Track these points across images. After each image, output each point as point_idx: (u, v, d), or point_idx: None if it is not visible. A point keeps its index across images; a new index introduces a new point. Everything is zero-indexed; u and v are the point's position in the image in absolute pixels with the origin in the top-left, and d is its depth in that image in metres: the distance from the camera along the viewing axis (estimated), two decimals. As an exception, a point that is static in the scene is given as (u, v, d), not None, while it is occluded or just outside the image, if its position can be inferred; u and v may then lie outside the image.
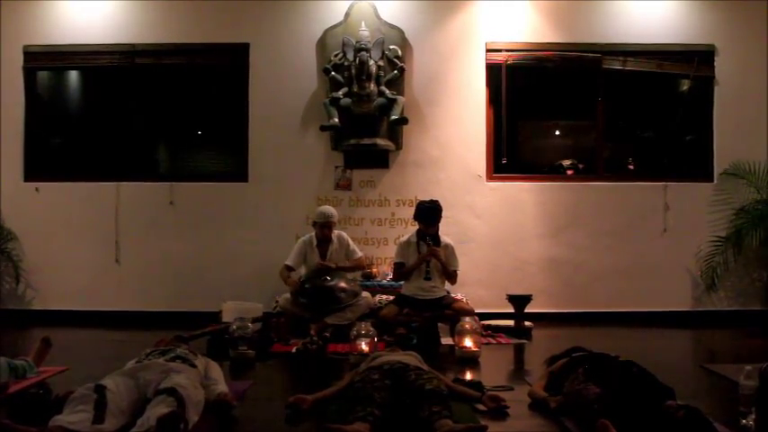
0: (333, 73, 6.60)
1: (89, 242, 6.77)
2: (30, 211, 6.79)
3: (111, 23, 6.81)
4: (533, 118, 7.51)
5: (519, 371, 4.73)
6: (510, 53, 6.82)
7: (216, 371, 3.41)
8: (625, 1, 6.86)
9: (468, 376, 4.14)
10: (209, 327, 5.16)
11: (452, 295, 5.76)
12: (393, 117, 6.51)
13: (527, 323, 5.91)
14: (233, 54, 6.84)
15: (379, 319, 5.29)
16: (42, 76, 7.17)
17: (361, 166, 6.75)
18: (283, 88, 6.76)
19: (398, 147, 6.73)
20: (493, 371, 4.45)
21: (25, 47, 6.85)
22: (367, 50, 6.49)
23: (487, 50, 6.81)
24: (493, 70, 6.84)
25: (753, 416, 2.89)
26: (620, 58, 6.82)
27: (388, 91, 6.54)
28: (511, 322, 5.91)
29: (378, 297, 5.91)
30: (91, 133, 7.22)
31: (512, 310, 5.94)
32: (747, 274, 6.78)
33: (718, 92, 6.85)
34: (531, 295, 5.96)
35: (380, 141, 6.61)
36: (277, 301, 5.83)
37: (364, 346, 4.50)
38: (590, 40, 6.81)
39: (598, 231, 6.76)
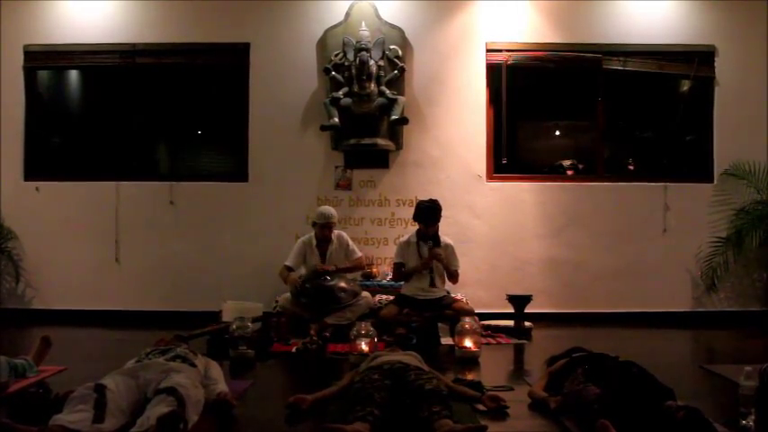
0: (333, 73, 6.60)
1: (89, 241, 6.77)
2: (30, 210, 6.79)
3: (111, 23, 6.82)
4: (533, 118, 7.50)
5: (519, 371, 4.73)
6: (510, 53, 6.82)
7: (216, 370, 3.41)
8: (625, 1, 6.86)
9: (468, 376, 4.13)
10: (209, 326, 5.16)
11: (452, 295, 5.76)
12: (393, 117, 6.51)
13: (527, 323, 5.90)
14: (233, 54, 6.84)
15: (379, 319, 5.28)
16: (42, 75, 7.17)
17: (362, 165, 6.76)
18: (284, 88, 6.76)
19: (399, 147, 6.73)
20: (493, 371, 4.45)
21: (25, 46, 6.85)
22: (367, 50, 6.49)
23: (488, 50, 6.81)
24: (493, 70, 6.84)
25: (753, 416, 2.90)
26: (621, 59, 6.82)
27: (388, 91, 6.54)
28: (511, 322, 5.90)
29: (378, 297, 5.91)
30: (91, 133, 7.22)
31: (512, 311, 5.93)
32: (747, 274, 6.78)
33: (718, 92, 6.85)
34: (530, 295, 5.96)
35: (381, 141, 6.61)
36: (277, 301, 5.83)
37: (364, 346, 4.49)
38: (590, 40, 6.81)
39: (598, 232, 6.76)
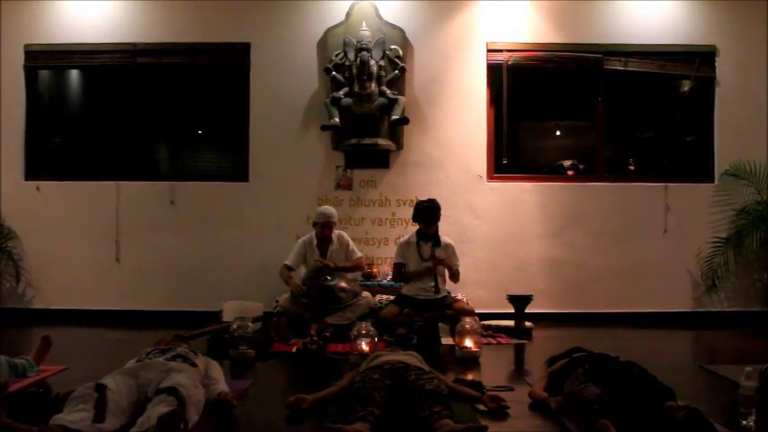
0: (334, 73, 6.60)
1: (89, 241, 6.77)
2: (30, 209, 6.79)
3: (111, 23, 6.82)
4: (534, 118, 7.51)
5: (519, 371, 4.74)
6: (511, 53, 6.82)
7: (216, 370, 3.41)
8: (626, 1, 6.86)
9: (469, 376, 4.13)
10: (210, 326, 5.16)
11: (453, 295, 5.76)
12: (394, 117, 6.51)
13: (527, 323, 5.91)
14: (234, 54, 6.84)
15: (379, 319, 5.29)
16: (43, 75, 7.17)
17: (362, 165, 6.76)
18: (284, 88, 6.76)
19: (399, 147, 6.73)
20: (493, 371, 4.45)
21: (26, 46, 6.86)
22: (368, 50, 6.49)
23: (488, 50, 6.81)
24: (494, 70, 6.84)
25: (753, 417, 2.89)
26: (621, 59, 6.82)
27: (388, 91, 6.54)
28: (511, 322, 5.91)
29: (378, 297, 5.91)
30: (91, 132, 7.23)
31: (512, 311, 5.94)
32: (748, 274, 6.78)
33: (718, 92, 6.85)
34: (531, 295, 5.97)
35: (381, 141, 6.61)
36: (277, 301, 5.83)
37: (364, 346, 4.50)
38: (591, 40, 6.81)
39: (598, 232, 6.76)
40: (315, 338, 4.75)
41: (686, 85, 7.07)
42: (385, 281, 6.26)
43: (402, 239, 5.82)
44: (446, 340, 5.27)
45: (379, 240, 6.73)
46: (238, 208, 6.76)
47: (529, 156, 7.48)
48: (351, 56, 6.55)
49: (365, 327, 4.64)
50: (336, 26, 6.70)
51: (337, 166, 6.78)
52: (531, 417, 3.27)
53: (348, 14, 6.71)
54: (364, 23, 6.63)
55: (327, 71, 6.62)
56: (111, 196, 6.77)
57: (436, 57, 6.79)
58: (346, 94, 6.54)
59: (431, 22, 6.81)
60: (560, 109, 7.32)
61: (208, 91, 7.20)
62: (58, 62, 7.00)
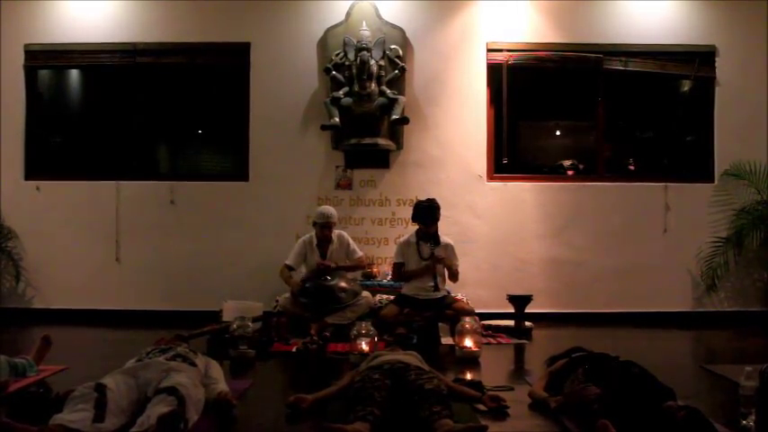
0: (334, 72, 6.60)
1: (89, 241, 6.77)
2: (30, 209, 6.79)
3: (112, 22, 6.82)
4: (534, 118, 7.51)
5: (519, 371, 4.73)
6: (511, 53, 6.82)
7: (216, 370, 3.41)
8: (626, 1, 6.86)
9: (469, 376, 4.13)
10: (210, 326, 5.17)
11: (453, 295, 5.76)
12: (394, 117, 6.51)
13: (527, 323, 5.91)
14: (234, 53, 6.84)
15: (379, 319, 5.29)
16: (43, 74, 7.17)
17: (362, 165, 6.76)
18: (284, 88, 6.76)
19: (399, 146, 6.73)
20: (493, 371, 4.45)
21: (26, 45, 6.85)
22: (368, 50, 6.48)
23: (488, 50, 6.81)
24: (494, 70, 6.84)
25: (753, 416, 2.89)
26: (621, 59, 6.82)
27: (388, 91, 6.54)
28: (511, 322, 5.91)
29: (378, 297, 5.91)
30: (91, 132, 7.23)
31: (512, 311, 5.93)
32: (748, 274, 6.78)
33: (718, 92, 6.84)
34: (531, 295, 5.96)
35: (381, 141, 6.61)
36: (277, 301, 5.83)
37: (364, 346, 4.50)
38: (591, 40, 6.81)
39: (598, 232, 6.76)
40: (315, 338, 4.75)
41: (686, 85, 7.07)
42: (385, 281, 6.26)
43: (402, 239, 5.82)
44: (446, 340, 5.27)
45: (379, 240, 6.73)
46: (238, 208, 6.76)
47: (529, 156, 7.48)
48: (351, 56, 6.55)
49: (365, 326, 4.64)
50: (336, 26, 6.70)
51: (337, 166, 6.78)
52: (531, 417, 3.27)
53: (348, 14, 6.71)
54: (364, 23, 6.63)
55: (327, 71, 6.62)
56: (111, 196, 6.77)
57: (436, 56, 6.79)
58: (346, 94, 6.54)
59: (431, 22, 6.81)
60: (560, 109, 7.32)
61: (208, 91, 7.19)
62: (58, 62, 7.00)
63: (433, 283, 5.43)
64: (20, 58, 6.85)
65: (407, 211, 6.20)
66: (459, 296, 5.92)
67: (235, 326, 4.70)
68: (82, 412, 2.67)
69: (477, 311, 5.42)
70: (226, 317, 5.51)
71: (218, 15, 6.81)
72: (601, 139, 7.01)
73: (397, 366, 3.22)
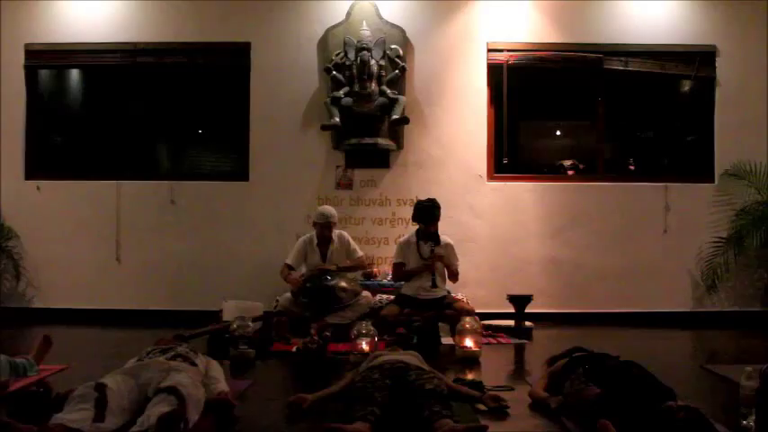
0: (334, 72, 6.60)
1: (90, 240, 6.77)
2: (31, 209, 6.79)
3: (112, 22, 6.82)
4: (534, 118, 7.50)
5: (519, 371, 4.74)
6: (511, 53, 6.81)
7: (216, 370, 3.42)
8: (626, 1, 6.86)
9: (469, 376, 4.13)
10: (210, 326, 5.17)
11: (453, 295, 5.75)
12: (394, 117, 6.51)
13: (527, 323, 5.91)
14: (234, 53, 6.84)
15: (379, 319, 5.28)
16: (44, 74, 7.17)
17: (362, 165, 6.75)
18: (284, 87, 6.76)
19: (399, 146, 6.73)
20: (493, 371, 4.45)
21: (27, 45, 6.85)
22: (368, 50, 6.48)
23: (489, 50, 6.81)
24: (494, 70, 6.84)
25: (753, 417, 2.89)
26: (622, 59, 6.82)
27: (389, 90, 6.54)
28: (511, 322, 5.91)
29: (378, 296, 5.91)
30: (92, 132, 7.22)
31: (512, 310, 5.93)
32: (748, 275, 6.77)
33: (719, 92, 6.84)
34: (531, 295, 5.96)
35: (381, 141, 6.61)
36: (277, 301, 5.83)
37: (365, 346, 4.49)
38: (591, 40, 6.81)
39: (599, 232, 6.76)
40: (315, 338, 4.74)
41: (686, 85, 7.06)
42: (385, 280, 6.25)
43: (402, 239, 5.82)
44: (446, 340, 5.27)
45: (379, 240, 6.73)
46: (238, 208, 6.76)
47: (529, 155, 7.48)
48: (351, 55, 6.55)
49: (365, 326, 4.64)
50: (337, 26, 6.70)
51: (337, 166, 6.78)
52: (532, 417, 3.27)
53: (348, 14, 6.71)
54: (364, 23, 6.63)
55: (328, 71, 6.62)
56: (111, 196, 6.77)
57: (436, 56, 6.79)
58: (346, 94, 6.54)
59: (431, 22, 6.81)
60: (560, 109, 7.31)
61: (208, 91, 7.18)
62: (59, 61, 7.01)
63: (431, 282, 5.43)
64: (20, 58, 6.85)
65: (408, 211, 6.21)
66: (460, 296, 5.91)
67: (235, 326, 4.70)
68: (82, 412, 2.67)
69: (477, 311, 5.41)
70: (226, 317, 5.50)
71: (218, 15, 6.81)
72: (601, 139, 7.00)
73: (397, 366, 3.22)
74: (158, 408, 2.69)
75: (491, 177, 6.83)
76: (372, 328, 4.66)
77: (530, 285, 6.38)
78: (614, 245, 6.74)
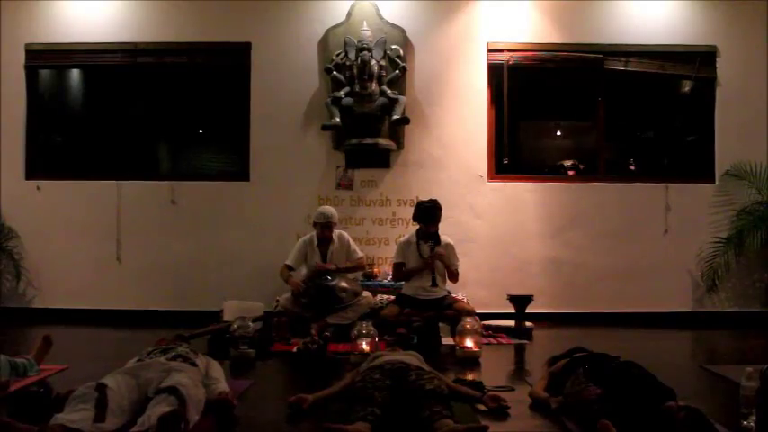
0: (334, 72, 6.60)
1: (90, 241, 6.77)
2: (31, 209, 6.79)
3: (112, 22, 6.82)
4: (535, 118, 7.51)
5: (520, 371, 4.73)
6: (512, 53, 6.82)
7: (217, 370, 3.41)
8: (627, 1, 6.86)
9: (469, 376, 4.13)
10: (210, 326, 5.17)
11: (453, 295, 5.76)
12: (394, 117, 6.51)
13: (528, 323, 5.90)
14: (234, 53, 6.84)
15: (379, 319, 5.28)
16: (44, 74, 7.17)
17: (363, 165, 6.75)
18: (285, 88, 6.76)
19: (400, 146, 6.73)
20: (494, 371, 4.45)
21: (27, 45, 6.85)
22: (369, 50, 6.48)
23: (489, 50, 6.81)
24: (495, 70, 6.84)
25: (753, 417, 2.89)
26: (622, 59, 6.82)
27: (389, 91, 6.54)
28: (512, 322, 5.90)
29: (379, 297, 5.91)
30: (92, 132, 7.22)
31: (512, 311, 5.93)
32: (748, 275, 6.78)
33: (719, 93, 6.84)
34: (531, 296, 5.96)
35: (382, 141, 6.61)
36: (278, 301, 5.82)
37: (365, 346, 4.49)
38: (592, 40, 6.81)
39: (599, 232, 6.76)
40: (315, 338, 4.75)
41: (687, 86, 7.06)
42: (385, 281, 6.26)
43: (402, 239, 5.82)
44: (446, 340, 5.27)
45: (379, 240, 6.73)
46: (239, 208, 6.76)
47: (530, 156, 7.48)
48: (351, 56, 6.55)
49: (366, 326, 4.64)
50: (337, 26, 6.70)
51: (338, 166, 6.78)
52: (532, 417, 3.27)
53: (349, 14, 6.71)
54: (365, 23, 6.63)
55: (328, 71, 6.62)
56: (111, 196, 6.77)
57: (437, 56, 6.79)
58: (347, 94, 6.54)
59: (432, 22, 6.81)
60: (561, 109, 7.32)
61: (208, 91, 7.18)
62: (59, 62, 7.01)
63: (431, 281, 5.42)
64: (21, 58, 6.85)
65: (408, 212, 6.21)
66: (460, 296, 5.92)
67: (235, 326, 4.69)
68: (82, 412, 2.67)
69: (477, 311, 5.41)
70: (226, 317, 5.51)
71: (218, 15, 6.81)
72: (601, 140, 7.00)
73: (397, 366, 3.22)
74: (159, 408, 2.69)
75: (491, 177, 6.84)
76: (373, 329, 4.66)
77: (530, 285, 6.38)
78: (615, 245, 6.74)
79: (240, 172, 6.86)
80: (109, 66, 6.93)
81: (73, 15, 6.84)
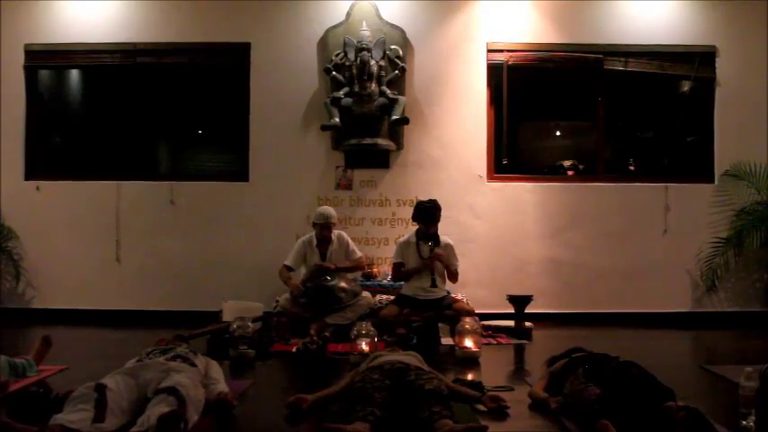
0: (334, 73, 6.60)
1: (90, 241, 6.77)
2: (30, 209, 6.79)
3: (112, 22, 6.82)
4: (534, 118, 7.51)
5: (519, 371, 4.73)
6: (511, 53, 6.82)
7: (216, 370, 3.42)
8: (626, 1, 6.86)
9: (469, 376, 4.13)
10: (210, 326, 5.17)
11: (453, 295, 5.76)
12: (394, 117, 6.51)
13: (527, 324, 5.89)
14: (234, 53, 6.84)
15: (379, 319, 5.28)
16: (43, 74, 7.17)
17: (362, 165, 6.75)
18: (284, 88, 6.76)
19: (399, 147, 6.73)
20: (493, 371, 4.45)
21: (26, 45, 6.85)
22: (368, 50, 6.48)
23: (489, 50, 6.81)
24: (494, 70, 6.84)
25: (753, 417, 2.89)
26: (622, 59, 6.82)
27: (389, 91, 6.54)
28: (511, 323, 5.89)
29: (378, 297, 5.91)
30: (92, 132, 7.23)
31: (512, 311, 5.92)
32: (748, 275, 6.78)
33: (719, 93, 6.84)
34: (531, 296, 5.95)
35: (381, 141, 6.61)
36: (277, 301, 5.83)
37: (364, 346, 4.49)
38: (591, 40, 6.81)
39: (598, 232, 6.76)
40: (315, 338, 4.75)
41: (686, 86, 7.06)
42: (385, 281, 6.26)
43: (402, 239, 5.81)
44: (446, 340, 5.26)
45: (379, 240, 6.73)
46: (238, 208, 6.76)
47: (529, 156, 7.48)
48: (351, 56, 6.55)
49: (365, 327, 4.64)
50: (337, 26, 6.70)
51: (337, 167, 6.78)
52: (531, 417, 3.27)
53: (348, 14, 6.71)
54: (364, 23, 6.63)
55: (327, 71, 6.62)
56: (111, 196, 6.77)
57: (436, 57, 6.79)
58: (346, 94, 6.54)
59: (431, 22, 6.81)
60: (561, 109, 7.32)
61: (208, 91, 7.19)
62: (59, 62, 7.01)
63: (430, 281, 5.43)
64: (20, 58, 6.85)
65: (407, 212, 6.21)
66: (459, 296, 5.92)
67: (235, 326, 4.70)
68: (82, 412, 2.67)
69: (477, 312, 5.41)
70: (226, 317, 5.51)
71: (218, 15, 6.81)
72: (601, 140, 7.01)
73: (397, 367, 3.22)
74: (158, 408, 2.69)
75: (491, 177, 6.83)
76: (372, 329, 4.65)
77: (530, 286, 6.37)
78: (614, 245, 6.74)
79: (239, 172, 6.86)
80: (108, 66, 6.93)
81: (72, 16, 6.84)
